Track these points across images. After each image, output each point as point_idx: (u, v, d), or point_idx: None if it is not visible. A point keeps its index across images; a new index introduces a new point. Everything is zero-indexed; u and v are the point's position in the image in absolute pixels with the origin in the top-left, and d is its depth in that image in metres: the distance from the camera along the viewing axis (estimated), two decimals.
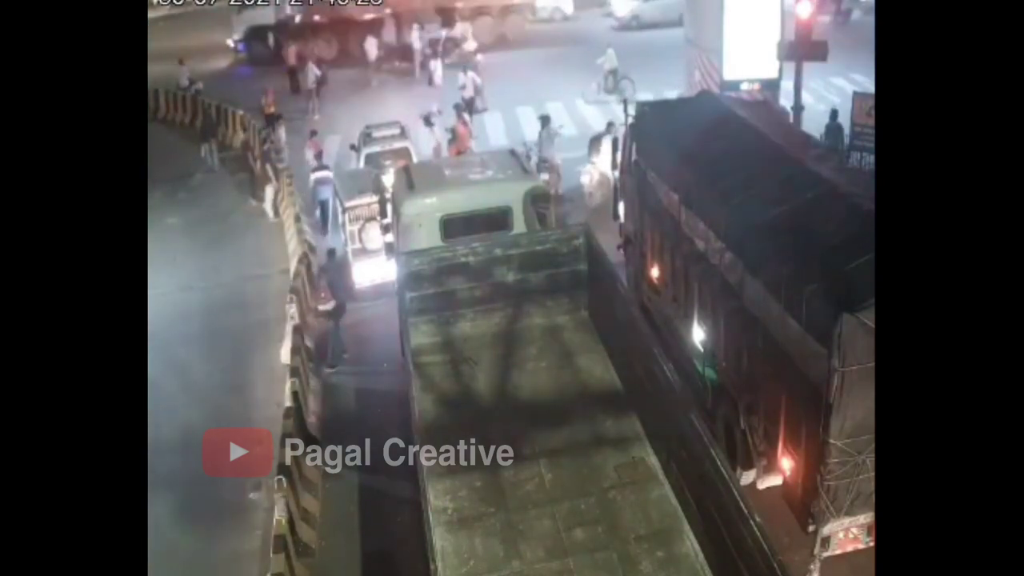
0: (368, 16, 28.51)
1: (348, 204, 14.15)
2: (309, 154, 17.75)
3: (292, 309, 12.56)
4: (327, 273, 13.19)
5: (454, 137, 18.11)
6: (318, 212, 16.73)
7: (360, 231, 13.99)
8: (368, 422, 10.77)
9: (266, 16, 28.97)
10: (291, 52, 25.74)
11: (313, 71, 24.25)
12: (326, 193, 16.29)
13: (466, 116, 19.43)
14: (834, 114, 17.08)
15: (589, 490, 8.18)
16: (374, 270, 13.77)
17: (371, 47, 25.85)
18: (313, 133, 18.80)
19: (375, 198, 13.68)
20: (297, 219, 15.81)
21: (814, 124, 16.48)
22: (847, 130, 16.90)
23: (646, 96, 18.98)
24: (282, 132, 19.49)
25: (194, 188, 19.76)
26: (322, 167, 16.87)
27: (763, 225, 8.63)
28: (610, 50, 24.22)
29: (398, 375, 10.80)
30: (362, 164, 16.47)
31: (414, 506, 8.03)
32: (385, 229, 13.07)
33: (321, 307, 13.08)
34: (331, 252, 13.38)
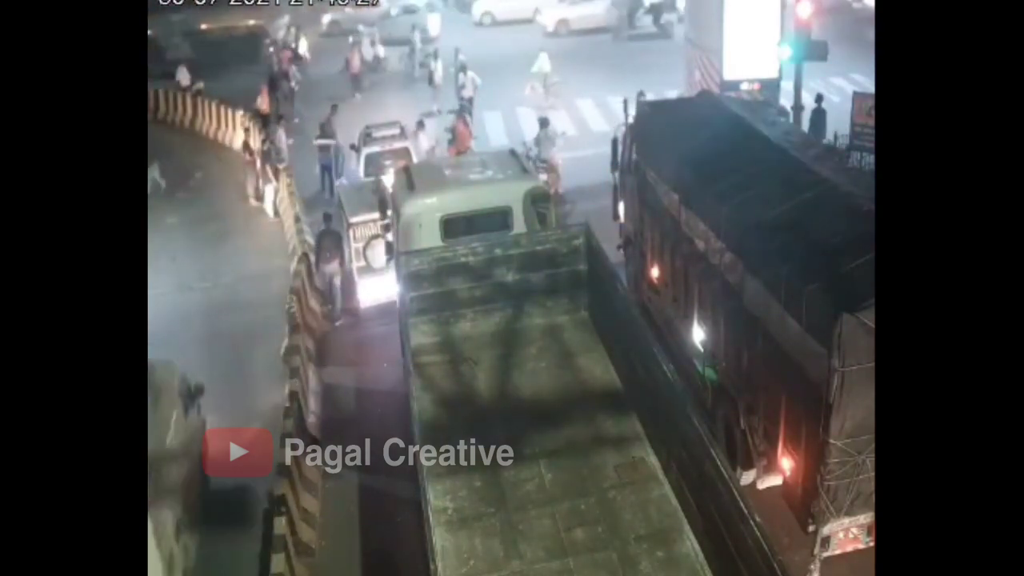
0: None
1: (352, 220, 13.89)
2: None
3: (292, 309, 12.54)
4: (329, 236, 13.76)
5: (454, 137, 18.07)
6: (322, 176, 18.32)
7: (365, 248, 13.79)
8: (368, 422, 10.75)
9: None
10: (285, 56, 25.70)
11: (295, 75, 25.05)
12: (327, 159, 18.17)
13: (466, 116, 19.41)
14: (819, 98, 17.21)
15: (589, 490, 8.17)
16: (378, 289, 13.49)
17: None
18: (334, 108, 19.54)
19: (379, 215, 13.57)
20: (297, 219, 15.80)
21: None
22: (847, 130, 16.94)
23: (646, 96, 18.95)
24: (282, 132, 19.48)
25: (193, 188, 19.75)
26: (324, 135, 18.45)
27: (763, 225, 8.63)
28: (542, 55, 23.75)
29: (398, 375, 10.78)
30: (362, 164, 16.47)
31: (414, 506, 8.02)
32: (385, 229, 13.02)
33: (327, 267, 13.61)
34: (327, 216, 14.05)
